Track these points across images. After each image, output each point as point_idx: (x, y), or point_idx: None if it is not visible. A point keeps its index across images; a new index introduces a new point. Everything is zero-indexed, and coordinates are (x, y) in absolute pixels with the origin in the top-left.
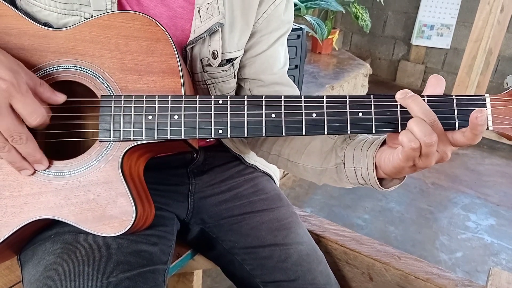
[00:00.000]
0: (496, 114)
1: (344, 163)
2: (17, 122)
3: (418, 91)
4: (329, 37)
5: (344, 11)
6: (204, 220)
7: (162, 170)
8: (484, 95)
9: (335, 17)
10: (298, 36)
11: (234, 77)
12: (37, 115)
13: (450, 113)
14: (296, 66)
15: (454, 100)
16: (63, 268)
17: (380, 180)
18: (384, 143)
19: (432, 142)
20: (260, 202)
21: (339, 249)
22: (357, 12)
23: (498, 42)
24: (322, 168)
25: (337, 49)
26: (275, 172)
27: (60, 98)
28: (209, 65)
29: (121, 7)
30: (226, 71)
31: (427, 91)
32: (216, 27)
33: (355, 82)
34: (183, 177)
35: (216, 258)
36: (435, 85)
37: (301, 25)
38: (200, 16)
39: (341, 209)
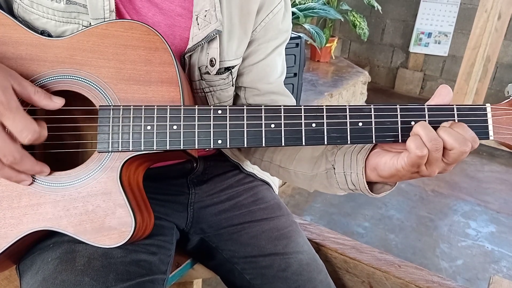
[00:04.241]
0: (497, 123)
1: (334, 168)
2: (8, 141)
3: (417, 99)
4: (328, 45)
5: (342, 19)
6: (203, 230)
7: (161, 180)
8: (485, 105)
9: (334, 25)
10: (297, 44)
11: (232, 85)
12: (28, 132)
13: None
14: (295, 74)
15: (455, 110)
16: (62, 278)
17: (371, 186)
18: (374, 147)
19: (438, 147)
20: (260, 211)
21: (339, 258)
22: (355, 21)
23: (496, 49)
24: (313, 174)
25: (334, 57)
26: (273, 180)
27: (58, 102)
28: (207, 73)
29: (119, 16)
30: (224, 79)
31: (433, 101)
32: (213, 35)
33: (354, 90)
34: (182, 187)
35: (216, 268)
36: (445, 95)
37: (299, 34)
38: (198, 24)
39: (341, 217)
